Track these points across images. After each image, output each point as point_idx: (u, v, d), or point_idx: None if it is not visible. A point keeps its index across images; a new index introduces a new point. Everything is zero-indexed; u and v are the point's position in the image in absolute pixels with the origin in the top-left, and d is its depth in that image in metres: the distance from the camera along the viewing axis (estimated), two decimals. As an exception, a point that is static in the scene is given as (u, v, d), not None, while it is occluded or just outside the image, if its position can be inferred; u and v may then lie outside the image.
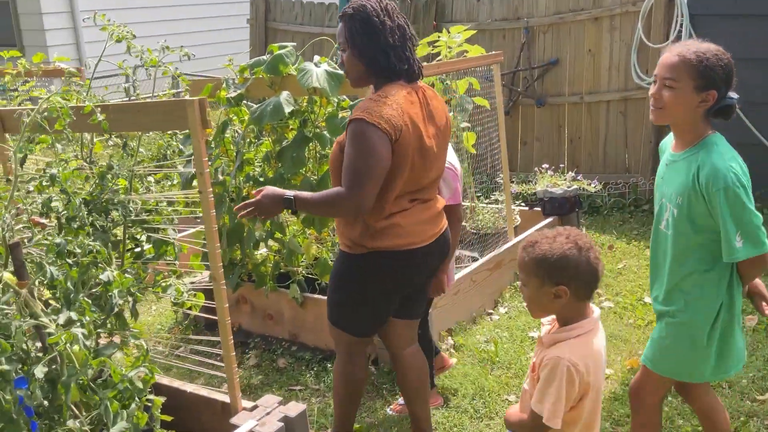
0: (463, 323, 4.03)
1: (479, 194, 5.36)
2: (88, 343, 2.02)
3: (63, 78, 5.49)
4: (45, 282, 2.09)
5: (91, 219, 2.74)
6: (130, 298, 2.35)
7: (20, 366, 2.20)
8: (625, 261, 4.88)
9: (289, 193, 2.49)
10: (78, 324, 2.24)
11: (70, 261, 2.16)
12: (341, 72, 3.48)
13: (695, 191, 2.20)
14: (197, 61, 10.94)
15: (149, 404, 2.58)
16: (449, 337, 3.85)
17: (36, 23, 10.09)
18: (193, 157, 3.95)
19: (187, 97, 2.59)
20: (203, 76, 9.62)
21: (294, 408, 2.81)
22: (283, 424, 2.74)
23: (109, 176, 2.82)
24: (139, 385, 2.49)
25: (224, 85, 3.82)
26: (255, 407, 2.84)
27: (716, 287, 2.28)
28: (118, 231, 2.97)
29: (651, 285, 2.56)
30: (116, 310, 2.29)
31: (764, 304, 2.39)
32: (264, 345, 4.01)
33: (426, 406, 2.94)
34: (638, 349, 3.66)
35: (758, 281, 2.43)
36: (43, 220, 2.36)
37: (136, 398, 2.47)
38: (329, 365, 3.67)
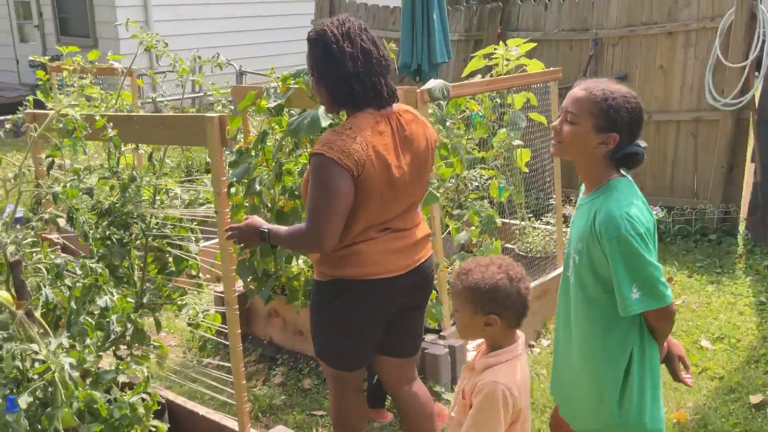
0: (500, 355, 3.81)
1: (530, 215, 5.11)
2: (74, 374, 1.92)
3: (116, 75, 5.49)
4: (41, 304, 2.01)
5: (108, 233, 2.67)
6: (129, 325, 2.25)
7: (16, 387, 2.14)
8: (684, 297, 4.55)
9: (266, 226, 2.41)
10: (75, 347, 2.16)
11: (69, 283, 2.07)
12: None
13: (593, 238, 2.03)
14: (261, 59, 11.03)
15: (153, 429, 2.49)
16: (482, 371, 3.64)
17: (109, 15, 10.31)
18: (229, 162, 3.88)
19: (210, 113, 2.47)
20: (266, 74, 9.65)
21: (304, 443, 2.69)
22: (289, 460, 2.62)
23: (130, 189, 2.74)
24: (141, 411, 2.40)
25: (265, 94, 3.71)
26: (264, 438, 2.73)
27: (623, 340, 2.08)
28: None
29: (558, 342, 2.32)
30: (113, 336, 2.19)
31: (684, 372, 2.22)
32: (292, 362, 3.89)
33: None
34: (688, 400, 3.37)
35: (676, 342, 2.26)
36: (52, 236, 2.29)
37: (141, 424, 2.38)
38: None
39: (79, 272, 2.10)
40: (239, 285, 4.17)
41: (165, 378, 3.50)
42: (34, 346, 1.93)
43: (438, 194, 3.22)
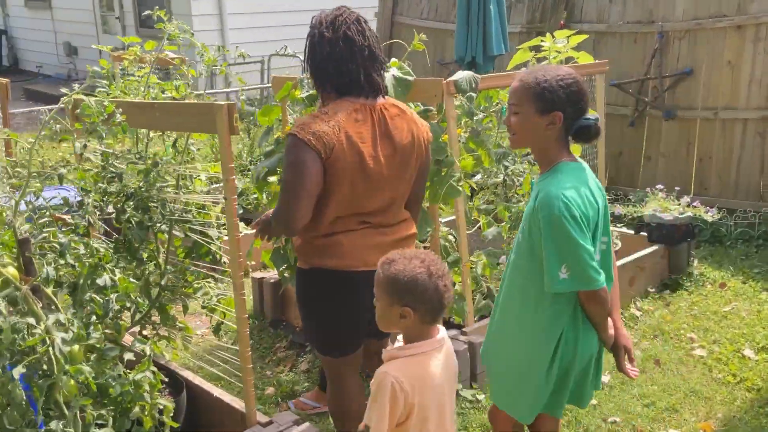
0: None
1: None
2: (66, 348, 2.00)
3: (171, 68, 5.65)
4: (41, 280, 2.10)
5: (128, 215, 2.77)
6: (129, 304, 2.33)
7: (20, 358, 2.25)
8: (734, 303, 4.33)
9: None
10: (74, 324, 2.26)
11: (72, 260, 2.16)
12: (410, 78, 3.30)
13: (533, 217, 2.14)
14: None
15: (161, 407, 2.57)
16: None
17: (185, 8, 10.65)
18: (265, 152, 3.96)
19: (218, 102, 2.52)
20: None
21: (306, 431, 2.71)
22: (286, 447, 2.65)
23: (152, 174, 2.83)
24: (146, 388, 2.48)
25: (299, 85, 3.75)
26: (270, 423, 2.77)
27: (556, 319, 2.17)
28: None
29: (494, 314, 2.44)
30: (111, 314, 2.27)
31: (627, 362, 2.26)
32: (320, 350, 3.93)
33: None
34: (718, 411, 3.21)
35: (624, 333, 2.29)
36: (65, 216, 2.40)
37: (147, 400, 2.47)
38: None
39: (83, 252, 2.19)
40: (274, 273, 4.24)
41: (193, 361, 3.60)
42: (30, 319, 2.02)
43: (460, 188, 3.17)
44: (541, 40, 4.45)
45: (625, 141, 6.41)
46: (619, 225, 5.23)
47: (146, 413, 2.49)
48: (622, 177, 6.43)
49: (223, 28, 10.95)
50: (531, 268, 2.18)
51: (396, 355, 2.01)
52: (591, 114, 2.16)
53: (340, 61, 2.38)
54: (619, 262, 4.35)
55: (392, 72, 3.34)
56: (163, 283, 2.90)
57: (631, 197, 6.03)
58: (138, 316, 2.93)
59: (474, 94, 3.37)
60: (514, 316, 2.28)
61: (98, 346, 2.40)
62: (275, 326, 4.26)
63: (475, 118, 3.44)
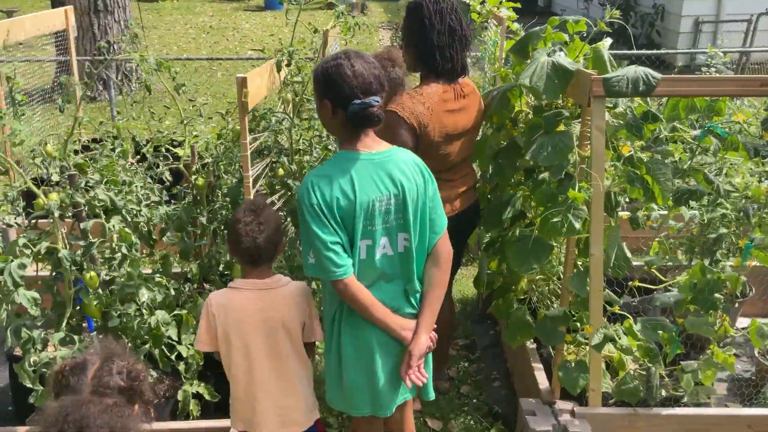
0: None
1: None
2: (19, 272, 2.32)
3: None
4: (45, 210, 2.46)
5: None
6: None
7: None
8: None
9: None
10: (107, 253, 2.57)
11: (80, 199, 2.45)
12: (572, 68, 2.51)
13: None
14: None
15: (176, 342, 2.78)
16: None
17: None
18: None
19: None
20: None
21: None
22: None
23: (263, 123, 2.97)
24: (163, 330, 2.70)
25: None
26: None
27: (330, 303, 2.23)
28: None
29: None
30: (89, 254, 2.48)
31: (409, 367, 2.15)
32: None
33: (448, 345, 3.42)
34: None
35: (420, 340, 2.17)
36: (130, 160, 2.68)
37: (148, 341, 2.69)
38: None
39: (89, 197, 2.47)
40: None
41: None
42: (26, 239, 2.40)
43: (576, 225, 2.31)
44: None
45: None
46: None
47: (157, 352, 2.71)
48: None
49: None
50: None
51: (230, 286, 2.31)
52: (372, 97, 2.03)
53: (445, 48, 2.83)
54: None
55: (556, 57, 2.57)
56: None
57: None
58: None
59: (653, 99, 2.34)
60: None
61: (120, 280, 2.69)
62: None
63: (667, 135, 2.38)
